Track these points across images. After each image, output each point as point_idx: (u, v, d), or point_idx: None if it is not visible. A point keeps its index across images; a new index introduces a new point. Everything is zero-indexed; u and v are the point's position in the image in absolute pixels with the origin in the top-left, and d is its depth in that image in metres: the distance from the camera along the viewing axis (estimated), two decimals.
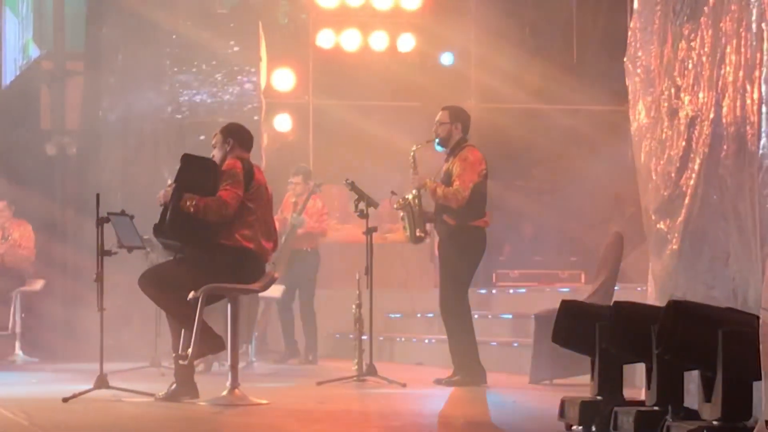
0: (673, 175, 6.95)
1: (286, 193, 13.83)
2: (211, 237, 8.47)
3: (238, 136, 8.83)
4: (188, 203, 8.38)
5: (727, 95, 6.27)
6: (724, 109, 6.31)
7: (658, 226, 7.13)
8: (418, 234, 10.35)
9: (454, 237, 10.25)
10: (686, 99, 6.82)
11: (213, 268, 8.43)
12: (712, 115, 6.46)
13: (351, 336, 11.01)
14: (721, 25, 6.39)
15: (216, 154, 8.81)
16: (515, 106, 17.80)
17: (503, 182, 15.62)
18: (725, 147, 6.29)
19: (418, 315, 14.81)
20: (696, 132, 6.70)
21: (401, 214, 10.45)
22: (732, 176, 6.19)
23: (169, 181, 8.77)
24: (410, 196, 10.35)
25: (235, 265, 8.51)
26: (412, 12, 17.74)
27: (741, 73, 6.13)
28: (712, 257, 6.48)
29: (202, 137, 14.97)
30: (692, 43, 6.78)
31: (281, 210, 13.71)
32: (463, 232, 10.23)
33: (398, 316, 15.21)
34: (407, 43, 17.70)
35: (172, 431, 7.38)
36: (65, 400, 8.54)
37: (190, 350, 8.37)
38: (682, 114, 6.88)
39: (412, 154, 10.54)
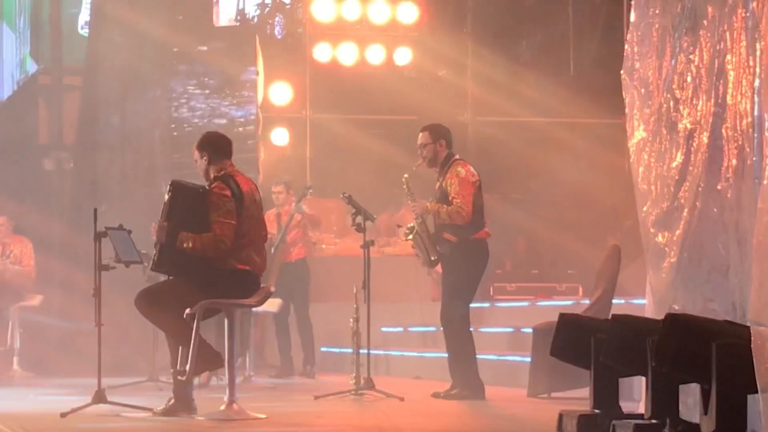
0: (671, 188, 6.95)
1: (270, 207, 13.75)
2: (207, 265, 8.48)
3: (212, 149, 8.81)
4: (185, 245, 8.39)
5: (726, 108, 6.27)
6: (724, 122, 6.31)
7: (656, 239, 7.13)
8: (432, 258, 10.37)
9: (456, 252, 10.24)
10: (685, 112, 6.82)
11: (208, 285, 8.44)
12: (711, 128, 6.46)
13: (348, 350, 11.01)
14: (720, 38, 6.40)
15: (199, 170, 8.83)
16: (511, 119, 17.82)
17: (499, 195, 15.64)
18: (725, 160, 6.29)
19: (415, 329, 14.79)
20: (695, 145, 6.70)
21: (411, 243, 10.46)
22: (732, 189, 6.19)
23: (161, 216, 8.69)
24: (414, 225, 10.35)
25: (231, 283, 8.52)
26: (408, 26, 17.78)
27: (740, 86, 6.13)
28: (711, 270, 6.47)
29: None
30: (691, 56, 6.79)
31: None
32: (466, 246, 10.23)
33: (396, 330, 15.20)
34: (404, 56, 17.73)
35: None
36: (63, 415, 8.53)
37: (188, 366, 8.36)
38: (680, 127, 6.88)
39: (404, 182, 10.53)
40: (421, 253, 10.41)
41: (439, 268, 10.68)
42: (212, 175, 8.72)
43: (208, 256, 8.42)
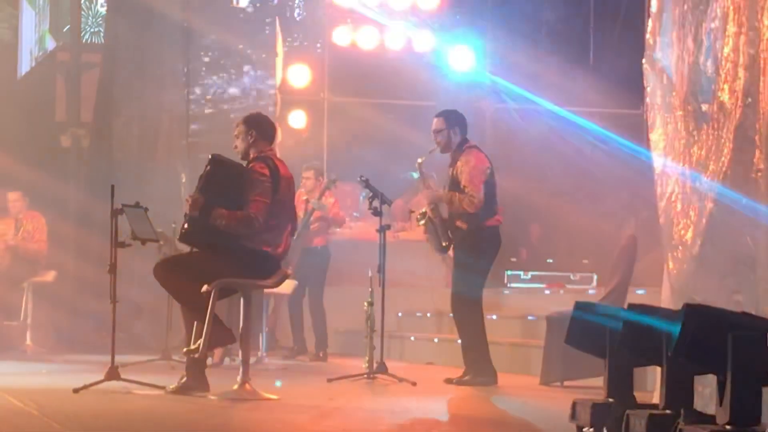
0: (695, 178, 6.91)
1: (298, 189, 13.82)
2: (232, 243, 8.48)
3: (261, 129, 8.82)
4: (218, 221, 8.39)
5: (757, 98, 6.22)
6: (756, 113, 6.25)
7: (677, 229, 7.09)
8: (444, 244, 10.36)
9: (468, 240, 10.23)
10: (711, 101, 6.77)
11: (228, 263, 8.44)
12: (739, 118, 6.41)
13: (362, 334, 11.01)
14: (745, 26, 6.35)
15: (238, 146, 8.82)
16: (530, 106, 17.78)
17: (518, 183, 15.58)
18: (756, 150, 6.23)
19: (428, 315, 14.79)
20: (721, 135, 6.65)
21: (423, 228, 10.45)
22: (763, 180, 6.13)
23: (196, 188, 8.66)
24: (426, 210, 10.34)
25: (251, 262, 8.52)
26: (429, 11, 17.73)
27: (766, 75, 6.09)
28: (738, 261, 6.43)
29: (215, 132, 14.99)
30: (718, 46, 6.74)
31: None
32: (478, 233, 10.22)
33: (410, 314, 15.20)
34: (424, 41, 17.68)
35: (182, 424, 7.38)
36: (76, 390, 8.54)
37: (200, 342, 8.37)
38: (706, 116, 6.83)
39: (418, 167, 10.52)
40: (432, 239, 10.40)
41: (452, 252, 10.66)
42: (252, 155, 8.72)
43: (240, 233, 8.42)
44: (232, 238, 8.46)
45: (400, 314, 15.01)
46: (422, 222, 10.43)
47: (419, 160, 10.60)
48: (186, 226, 8.55)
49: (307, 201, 13.54)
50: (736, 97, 6.50)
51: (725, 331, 5.25)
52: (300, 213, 13.42)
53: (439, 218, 10.32)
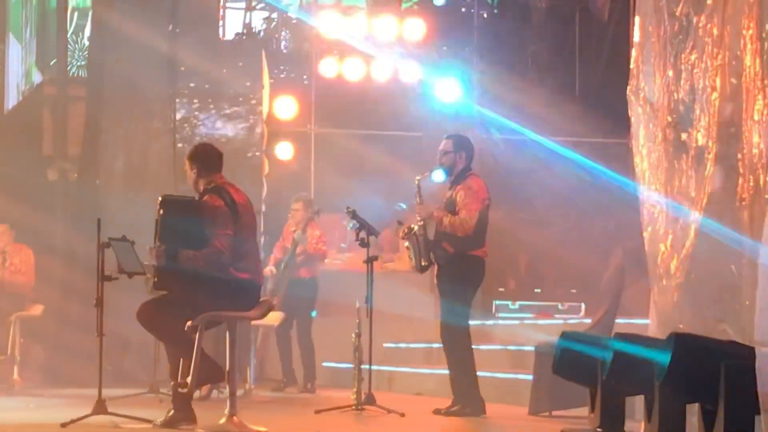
0: (677, 207, 6.93)
1: (287, 222, 13.81)
2: (208, 276, 8.45)
3: (203, 160, 8.79)
4: (186, 263, 8.36)
5: (739, 127, 6.24)
6: (738, 142, 6.28)
7: (662, 259, 7.11)
8: (423, 263, 10.33)
9: (452, 265, 10.23)
10: (693, 131, 6.80)
11: (210, 297, 8.42)
12: (721, 147, 6.43)
13: (350, 365, 10.99)
14: (723, 55, 6.38)
15: (188, 181, 8.82)
16: (517, 137, 17.81)
17: (504, 213, 15.59)
18: (740, 180, 6.25)
19: (416, 346, 14.76)
20: (704, 164, 6.67)
21: (405, 243, 10.43)
22: (747, 210, 6.15)
23: (155, 235, 8.62)
24: (415, 227, 10.33)
25: (232, 294, 8.49)
26: (415, 42, 17.78)
27: (752, 104, 6.11)
28: (722, 290, 6.45)
29: None
30: (696, 76, 6.77)
31: (282, 238, 13.72)
32: (462, 260, 10.22)
33: (398, 345, 15.17)
34: (410, 72, 17.72)
35: None
36: (64, 425, 8.51)
37: (189, 379, 8.34)
38: (688, 146, 6.86)
39: (416, 183, 10.53)
40: (413, 256, 10.38)
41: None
42: (201, 188, 8.71)
43: (210, 270, 8.40)
44: (205, 274, 8.43)
45: (387, 345, 14.99)
46: (407, 236, 10.40)
47: (418, 177, 10.61)
48: (156, 278, 8.51)
49: (294, 232, 13.52)
50: (717, 126, 6.52)
51: (715, 361, 5.26)
52: (288, 245, 13.42)
53: (425, 237, 10.33)
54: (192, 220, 8.45)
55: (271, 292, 12.81)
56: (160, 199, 8.59)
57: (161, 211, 8.49)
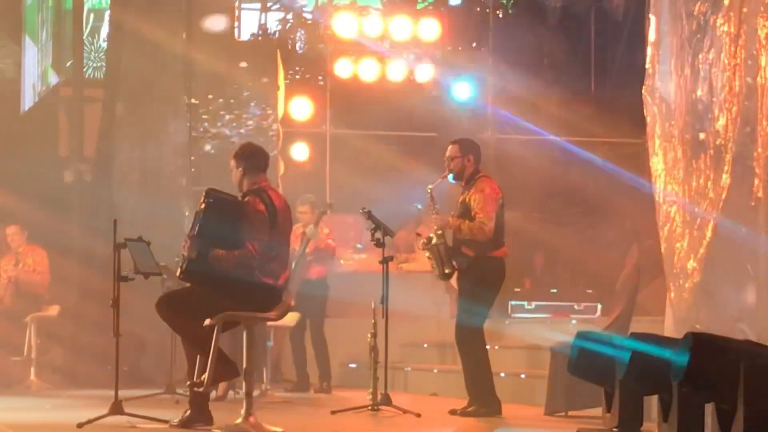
0: (695, 207, 6.91)
1: (296, 224, 13.76)
2: (233, 276, 8.44)
3: (249, 161, 8.79)
4: (215, 263, 8.35)
5: (755, 126, 6.22)
6: (754, 141, 6.26)
7: (679, 258, 7.09)
8: (446, 271, 10.32)
9: (473, 269, 10.21)
10: (709, 130, 6.78)
11: (230, 296, 8.42)
12: (737, 146, 6.41)
13: (366, 366, 10.99)
14: (740, 54, 6.36)
15: (233, 179, 8.81)
16: (533, 137, 17.80)
17: (520, 213, 15.59)
18: (755, 179, 6.24)
19: (432, 346, 14.76)
20: (721, 163, 6.65)
21: (427, 254, 10.41)
22: (763, 208, 6.13)
23: (191, 225, 8.60)
24: (433, 236, 10.30)
25: (253, 295, 8.49)
26: (430, 42, 17.77)
27: (764, 104, 6.09)
28: (739, 290, 6.43)
29: (217, 165, 14.99)
30: (714, 75, 6.75)
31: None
32: (483, 263, 10.20)
33: (414, 346, 15.16)
34: (425, 73, 17.71)
35: None
36: (80, 425, 8.52)
37: (205, 377, 8.34)
38: (705, 145, 6.85)
39: (428, 192, 10.49)
40: (436, 265, 10.37)
41: (454, 283, 10.62)
42: (245, 188, 8.70)
43: (237, 271, 8.40)
44: (230, 274, 8.43)
45: (403, 345, 14.98)
46: (427, 247, 10.40)
47: (430, 186, 10.57)
48: (184, 266, 8.51)
49: (304, 234, 13.49)
50: (735, 126, 6.50)
51: (733, 360, 5.24)
52: (296, 247, 13.37)
53: (444, 245, 10.30)
54: (231, 220, 8.45)
55: (285, 292, 12.73)
56: (205, 192, 8.56)
57: (203, 205, 8.48)
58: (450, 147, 10.47)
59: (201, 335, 8.37)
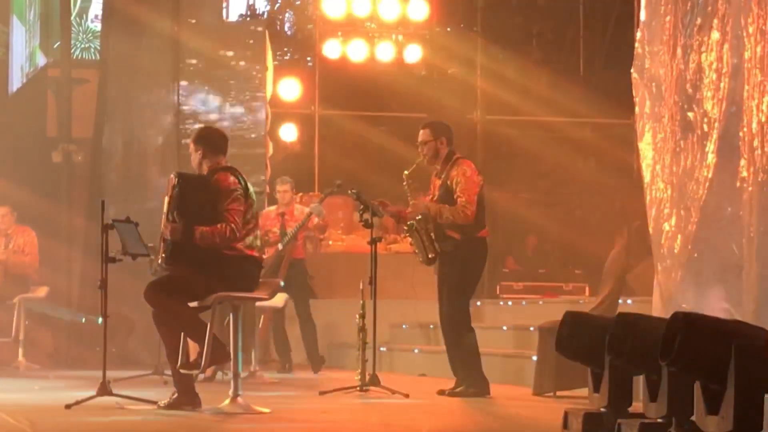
0: (683, 187, 6.92)
1: (275, 204, 13.63)
2: (217, 254, 8.45)
3: (207, 143, 8.77)
4: (201, 241, 8.34)
5: (741, 107, 6.22)
6: (740, 121, 6.26)
7: (666, 238, 7.10)
8: (430, 256, 10.28)
9: (460, 250, 10.20)
10: (698, 111, 6.78)
11: (217, 276, 8.41)
12: (724, 127, 6.41)
13: (355, 347, 10.99)
14: (732, 35, 6.35)
15: (192, 162, 8.80)
16: (521, 118, 17.80)
17: (509, 194, 15.61)
18: (741, 159, 6.24)
19: (420, 326, 14.77)
20: (708, 144, 6.66)
21: (410, 240, 10.39)
22: (747, 188, 6.13)
23: (169, 210, 8.60)
24: (414, 222, 10.25)
25: (239, 272, 8.49)
26: (418, 23, 17.75)
27: (756, 85, 6.09)
28: (725, 270, 6.43)
29: None
30: (703, 55, 6.74)
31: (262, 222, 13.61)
32: (469, 244, 10.19)
33: (402, 326, 15.18)
34: (414, 53, 17.69)
35: None
36: (68, 406, 8.52)
37: (202, 360, 8.32)
38: (693, 126, 6.84)
39: (404, 179, 10.45)
40: (419, 251, 10.33)
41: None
42: (205, 170, 8.69)
43: (221, 246, 8.40)
44: (214, 251, 8.43)
45: (391, 326, 14.99)
46: (408, 233, 10.37)
47: (405, 172, 10.53)
48: (166, 254, 8.49)
49: (282, 215, 13.38)
50: (720, 106, 6.50)
51: (723, 340, 5.24)
52: (274, 228, 13.27)
53: (425, 230, 10.26)
54: (206, 197, 8.45)
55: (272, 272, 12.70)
56: (174, 175, 8.55)
57: (177, 188, 8.47)
58: (421, 132, 10.39)
59: (194, 320, 8.37)
